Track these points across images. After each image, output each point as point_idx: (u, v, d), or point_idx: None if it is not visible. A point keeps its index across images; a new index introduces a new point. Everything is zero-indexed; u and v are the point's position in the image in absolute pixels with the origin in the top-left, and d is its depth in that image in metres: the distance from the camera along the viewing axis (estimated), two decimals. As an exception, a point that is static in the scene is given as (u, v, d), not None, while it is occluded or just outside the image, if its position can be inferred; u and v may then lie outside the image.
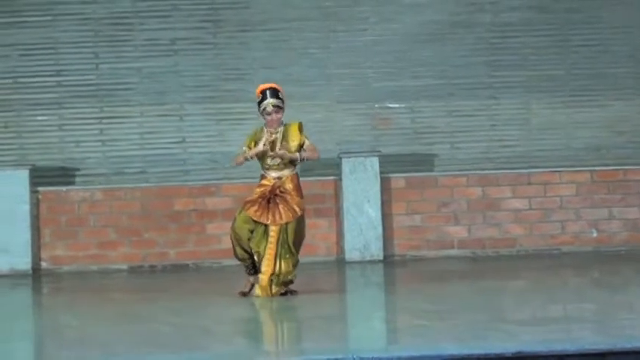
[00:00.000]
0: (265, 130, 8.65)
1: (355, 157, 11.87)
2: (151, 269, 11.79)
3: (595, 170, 12.16)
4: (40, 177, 12.00)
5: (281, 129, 8.63)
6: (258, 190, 8.62)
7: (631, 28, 12.57)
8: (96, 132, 12.39)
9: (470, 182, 12.09)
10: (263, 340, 6.99)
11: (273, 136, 8.60)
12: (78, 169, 12.31)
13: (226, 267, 11.34)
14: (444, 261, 11.62)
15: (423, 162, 12.43)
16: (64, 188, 12.01)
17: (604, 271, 10.47)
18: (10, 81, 12.35)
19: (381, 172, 11.86)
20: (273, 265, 8.48)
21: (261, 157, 8.63)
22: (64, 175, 12.28)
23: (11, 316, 8.61)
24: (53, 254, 11.83)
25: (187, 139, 12.41)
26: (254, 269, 8.60)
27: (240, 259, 8.71)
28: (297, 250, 8.59)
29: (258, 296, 8.49)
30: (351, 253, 11.74)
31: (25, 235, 11.63)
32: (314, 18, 12.54)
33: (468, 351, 5.85)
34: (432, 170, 12.37)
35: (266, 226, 8.53)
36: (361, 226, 11.76)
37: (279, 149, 8.57)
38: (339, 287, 10.17)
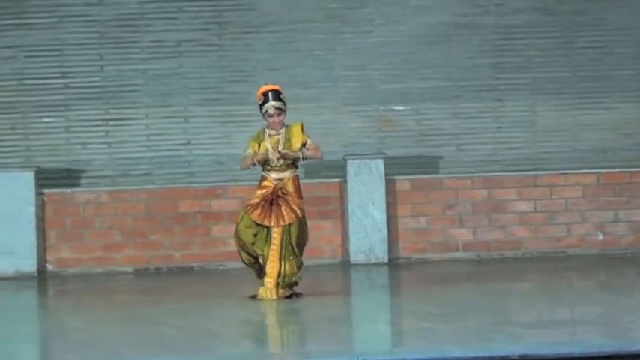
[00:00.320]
0: (267, 132, 8.64)
1: (360, 159, 11.87)
2: (156, 271, 11.80)
3: (601, 173, 12.15)
4: (45, 179, 12.01)
5: (283, 130, 8.63)
6: (259, 192, 8.60)
7: (636, 30, 12.56)
8: (101, 134, 12.40)
9: (475, 184, 12.08)
10: (268, 343, 6.99)
11: (276, 137, 8.59)
12: (83, 171, 12.32)
13: (232, 269, 11.34)
14: (449, 263, 11.62)
15: (428, 164, 12.43)
16: (69, 190, 12.02)
17: (610, 274, 10.46)
18: (16, 83, 12.37)
19: (386, 175, 11.85)
20: (278, 267, 8.48)
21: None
22: (69, 177, 12.29)
23: (17, 318, 8.62)
24: (59, 256, 11.84)
25: (193, 141, 12.42)
26: (263, 272, 8.59)
27: (247, 264, 8.70)
28: (301, 252, 8.59)
29: (263, 299, 8.49)
30: (356, 256, 11.74)
31: (30, 237, 11.64)
32: (319, 20, 12.54)
33: (473, 354, 5.84)
34: (437, 172, 12.36)
35: (269, 228, 8.52)
36: (366, 229, 11.75)
37: (282, 150, 8.56)
38: (344, 290, 10.17)
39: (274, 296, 8.46)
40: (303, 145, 8.58)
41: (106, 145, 12.39)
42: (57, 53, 12.40)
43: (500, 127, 12.54)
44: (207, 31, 12.49)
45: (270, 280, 8.48)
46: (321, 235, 11.76)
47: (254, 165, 8.66)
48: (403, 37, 12.53)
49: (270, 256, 8.49)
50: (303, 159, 8.61)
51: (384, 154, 12.03)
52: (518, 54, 12.55)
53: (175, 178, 12.30)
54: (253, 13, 12.49)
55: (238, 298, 8.72)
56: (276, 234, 8.50)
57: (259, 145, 8.61)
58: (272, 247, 8.49)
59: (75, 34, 12.41)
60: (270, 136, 8.62)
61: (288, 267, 8.50)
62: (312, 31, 12.53)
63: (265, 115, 8.62)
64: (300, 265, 8.58)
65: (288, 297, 8.54)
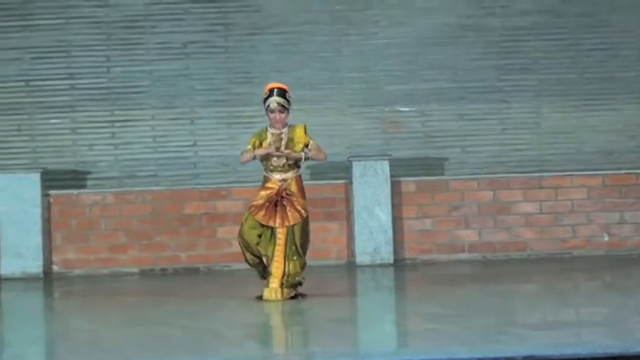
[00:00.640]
0: (269, 130, 8.64)
1: (366, 160, 11.87)
2: (161, 272, 11.81)
3: (606, 174, 12.15)
4: (51, 180, 12.03)
5: (285, 130, 8.62)
6: (263, 193, 8.59)
7: (642, 32, 12.57)
8: (107, 135, 12.42)
9: (481, 186, 12.08)
10: (273, 344, 7.00)
11: (278, 136, 8.58)
12: (89, 173, 12.34)
13: (237, 271, 11.34)
14: (454, 265, 11.62)
15: (433, 165, 12.43)
16: (75, 191, 12.04)
17: (615, 275, 10.46)
18: (23, 84, 12.39)
19: (391, 176, 11.85)
20: (283, 267, 8.48)
21: (266, 158, 8.61)
22: (75, 178, 12.31)
23: (22, 319, 8.63)
24: (64, 257, 11.86)
25: (198, 143, 12.44)
26: (267, 273, 8.60)
27: (251, 265, 8.70)
28: (304, 252, 8.58)
29: (268, 299, 8.50)
30: (362, 257, 11.75)
31: (36, 238, 11.66)
32: (325, 21, 12.55)
33: (478, 355, 5.84)
34: (442, 174, 12.37)
35: (273, 229, 8.52)
36: (372, 230, 11.76)
37: (284, 149, 8.55)
38: (350, 291, 10.18)
39: (279, 297, 8.46)
40: (306, 145, 8.58)
41: (112, 147, 12.41)
42: (63, 55, 12.43)
43: (505, 129, 12.54)
44: (213, 33, 12.50)
45: (275, 281, 8.48)
46: (327, 236, 11.77)
47: (254, 159, 8.63)
48: (408, 39, 12.54)
49: (275, 257, 8.49)
50: (305, 159, 8.60)
51: (390, 155, 12.03)
52: (524, 56, 12.55)
53: (181, 179, 12.32)
54: (259, 15, 12.51)
55: (243, 299, 8.72)
56: (281, 234, 8.50)
57: (260, 143, 8.60)
58: (277, 247, 8.49)
59: (81, 36, 12.43)
60: (272, 134, 8.60)
61: (291, 267, 8.49)
62: (318, 33, 12.54)
63: (267, 109, 8.60)
64: (303, 266, 8.58)
65: (293, 298, 8.54)
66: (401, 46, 12.54)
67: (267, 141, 8.57)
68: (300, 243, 8.53)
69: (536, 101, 12.55)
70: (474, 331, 6.83)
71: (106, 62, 12.46)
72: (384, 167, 11.84)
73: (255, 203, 8.59)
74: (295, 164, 8.61)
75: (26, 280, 11.44)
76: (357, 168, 11.83)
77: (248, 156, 8.63)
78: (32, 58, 12.40)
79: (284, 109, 8.58)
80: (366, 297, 9.66)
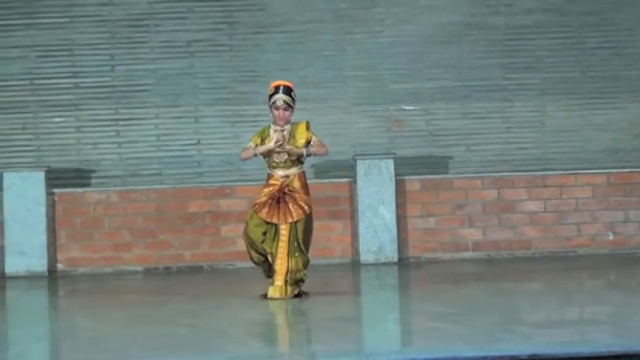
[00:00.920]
0: (272, 127, 8.64)
1: (370, 159, 11.87)
2: (165, 271, 11.82)
3: (611, 173, 12.13)
4: (56, 178, 12.04)
5: (288, 127, 8.62)
6: (266, 190, 8.59)
7: (646, 31, 12.56)
8: (112, 134, 12.43)
9: (485, 184, 12.08)
10: (277, 342, 7.00)
11: (281, 133, 8.58)
12: (94, 171, 12.35)
13: (241, 269, 11.35)
14: (458, 263, 11.61)
15: (437, 164, 12.43)
16: (79, 190, 12.05)
17: (620, 274, 10.44)
18: (27, 83, 12.41)
19: (395, 175, 11.85)
20: (286, 264, 8.48)
21: (268, 155, 8.61)
22: (79, 176, 12.32)
23: (27, 317, 8.64)
24: (69, 256, 11.87)
25: (202, 141, 12.44)
26: (272, 271, 8.59)
27: (256, 263, 8.69)
28: (307, 249, 8.57)
29: (272, 297, 8.49)
30: (366, 255, 11.75)
31: (41, 236, 11.68)
32: (329, 20, 12.55)
33: (482, 353, 5.84)
34: (446, 172, 12.37)
35: (277, 226, 8.52)
36: (376, 229, 11.76)
37: (286, 146, 8.55)
38: (354, 289, 10.17)
39: (284, 295, 8.46)
40: (308, 142, 8.58)
41: (116, 145, 12.42)
42: (68, 53, 12.44)
43: (509, 127, 12.54)
44: (217, 31, 12.51)
45: (279, 278, 8.48)
46: (331, 235, 11.77)
47: (255, 156, 8.64)
48: (413, 37, 12.53)
49: (278, 253, 8.48)
50: (307, 155, 8.61)
51: (394, 154, 12.03)
52: (528, 54, 12.55)
53: (185, 177, 12.33)
54: (263, 14, 12.51)
55: (247, 298, 8.73)
56: (284, 230, 8.50)
57: (262, 141, 8.60)
58: (280, 243, 8.49)
59: (86, 34, 12.44)
60: (275, 131, 8.60)
61: (293, 263, 8.49)
62: (322, 32, 12.54)
63: (273, 106, 8.60)
64: (306, 263, 8.56)
65: (297, 296, 8.54)
66: (405, 45, 12.53)
67: (270, 138, 8.58)
68: (302, 239, 8.52)
69: (541, 100, 12.55)
70: (478, 330, 6.82)
71: (110, 61, 12.47)
72: (388, 166, 11.83)
73: (258, 201, 8.60)
74: (298, 160, 8.61)
75: (31, 278, 11.45)
76: (361, 166, 11.83)
77: (250, 153, 8.64)
78: (36, 57, 12.41)
79: (289, 106, 8.59)
80: (370, 295, 9.66)
